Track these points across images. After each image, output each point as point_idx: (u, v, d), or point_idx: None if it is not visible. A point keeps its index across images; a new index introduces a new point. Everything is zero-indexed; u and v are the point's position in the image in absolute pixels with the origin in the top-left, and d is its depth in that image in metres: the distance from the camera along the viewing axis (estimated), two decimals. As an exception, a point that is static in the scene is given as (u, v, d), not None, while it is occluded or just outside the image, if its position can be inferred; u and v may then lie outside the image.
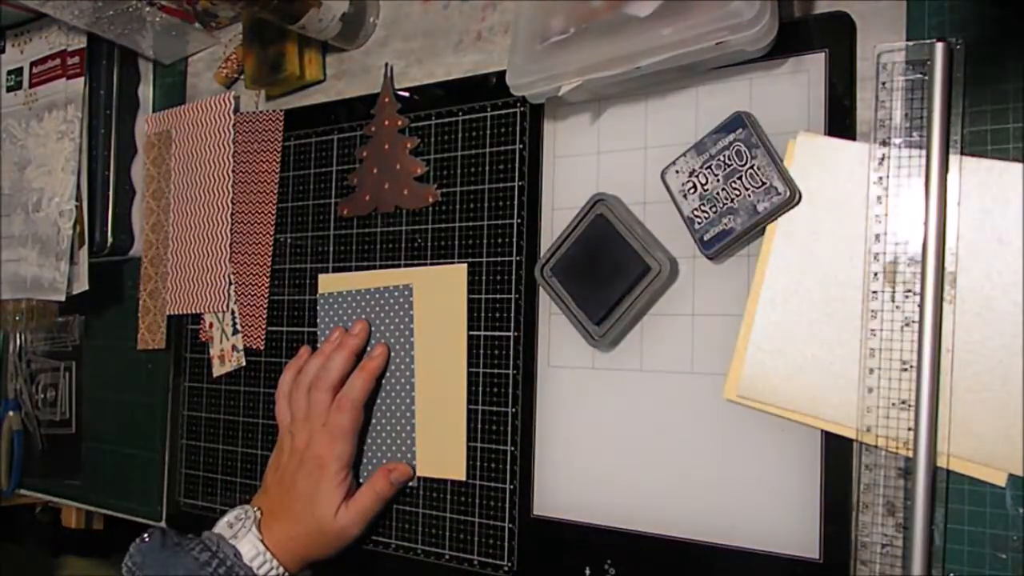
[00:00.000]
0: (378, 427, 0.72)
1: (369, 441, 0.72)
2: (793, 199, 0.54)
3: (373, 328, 0.73)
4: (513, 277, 0.66)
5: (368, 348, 0.72)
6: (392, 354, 0.72)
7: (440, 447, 0.69)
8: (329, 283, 0.77)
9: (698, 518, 0.57)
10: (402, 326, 0.71)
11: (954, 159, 0.50)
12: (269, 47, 0.80)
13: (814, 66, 0.55)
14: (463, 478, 0.67)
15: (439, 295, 0.70)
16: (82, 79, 0.91)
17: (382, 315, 0.72)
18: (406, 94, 0.74)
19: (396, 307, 0.72)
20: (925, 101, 0.50)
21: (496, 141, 0.68)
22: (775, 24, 0.53)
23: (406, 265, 0.73)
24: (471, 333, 0.68)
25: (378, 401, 0.72)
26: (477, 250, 0.68)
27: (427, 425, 0.70)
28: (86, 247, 0.90)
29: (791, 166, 0.55)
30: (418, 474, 0.70)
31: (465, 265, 0.69)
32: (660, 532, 0.58)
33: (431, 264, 0.71)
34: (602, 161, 0.63)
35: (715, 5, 0.52)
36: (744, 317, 0.56)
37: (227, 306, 0.84)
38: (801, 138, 0.55)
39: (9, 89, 0.99)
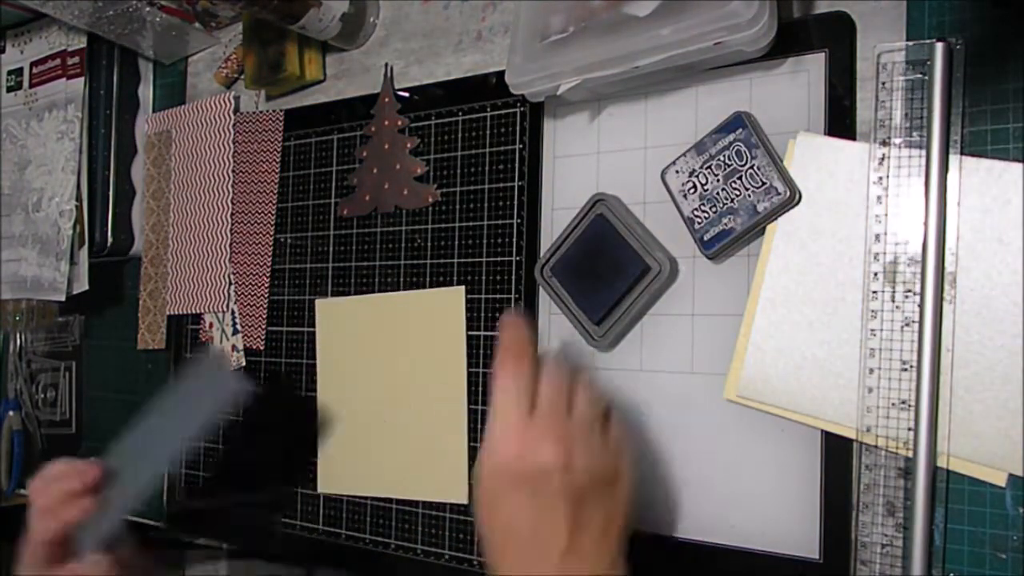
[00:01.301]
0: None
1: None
2: (793, 199, 0.54)
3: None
4: (513, 277, 0.66)
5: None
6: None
7: (440, 472, 0.68)
8: (327, 309, 0.77)
9: (698, 518, 0.57)
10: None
11: (954, 159, 0.50)
12: (269, 47, 0.80)
13: (814, 66, 0.55)
14: (464, 502, 0.67)
15: (437, 321, 0.70)
16: (82, 79, 0.91)
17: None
18: (406, 94, 0.74)
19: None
20: (925, 101, 0.50)
21: (496, 141, 0.68)
22: (774, 25, 0.53)
23: (405, 284, 0.72)
24: (471, 333, 0.68)
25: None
26: (477, 250, 0.68)
27: (427, 452, 0.69)
28: (86, 247, 0.90)
29: (791, 166, 0.55)
30: (418, 498, 0.70)
31: (463, 288, 0.69)
32: (660, 532, 0.58)
33: (430, 276, 0.71)
34: (602, 161, 0.63)
35: (714, 5, 0.52)
36: (744, 317, 0.56)
37: (227, 306, 0.84)
38: (801, 138, 0.55)
39: (9, 89, 0.99)
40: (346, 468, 0.71)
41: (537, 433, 0.47)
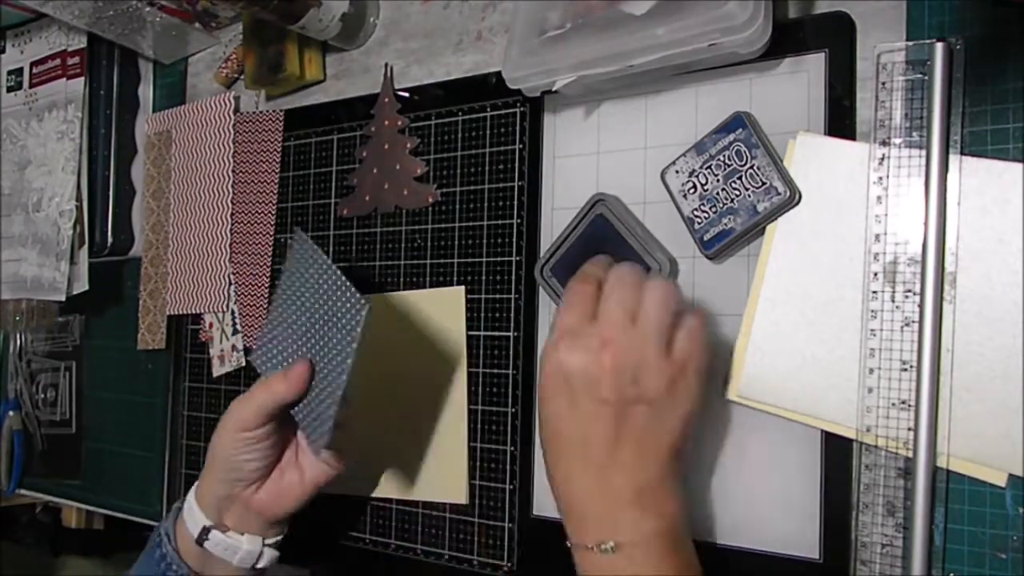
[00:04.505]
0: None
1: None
2: (793, 199, 0.54)
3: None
4: (513, 277, 0.66)
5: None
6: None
7: (440, 472, 0.68)
8: None
9: (697, 518, 0.57)
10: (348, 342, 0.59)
11: (954, 159, 0.49)
12: (269, 47, 0.80)
13: (814, 66, 0.55)
14: (464, 502, 0.67)
15: (437, 321, 0.70)
16: (82, 79, 0.91)
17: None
18: (406, 94, 0.74)
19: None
20: (925, 101, 0.50)
21: (496, 141, 0.68)
22: (768, 27, 0.53)
23: (405, 284, 0.72)
24: (471, 333, 0.68)
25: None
26: (477, 250, 0.68)
27: (427, 452, 0.69)
28: (86, 247, 0.90)
29: (791, 166, 0.54)
30: (418, 498, 0.70)
31: (463, 288, 0.68)
32: (660, 532, 0.58)
33: (430, 275, 0.71)
34: (602, 161, 0.63)
35: (709, 6, 0.52)
36: (744, 317, 0.56)
37: (227, 306, 0.84)
38: (801, 138, 0.55)
39: (9, 89, 0.99)
40: (346, 468, 0.70)
41: (591, 340, 0.47)
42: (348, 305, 0.56)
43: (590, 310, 0.48)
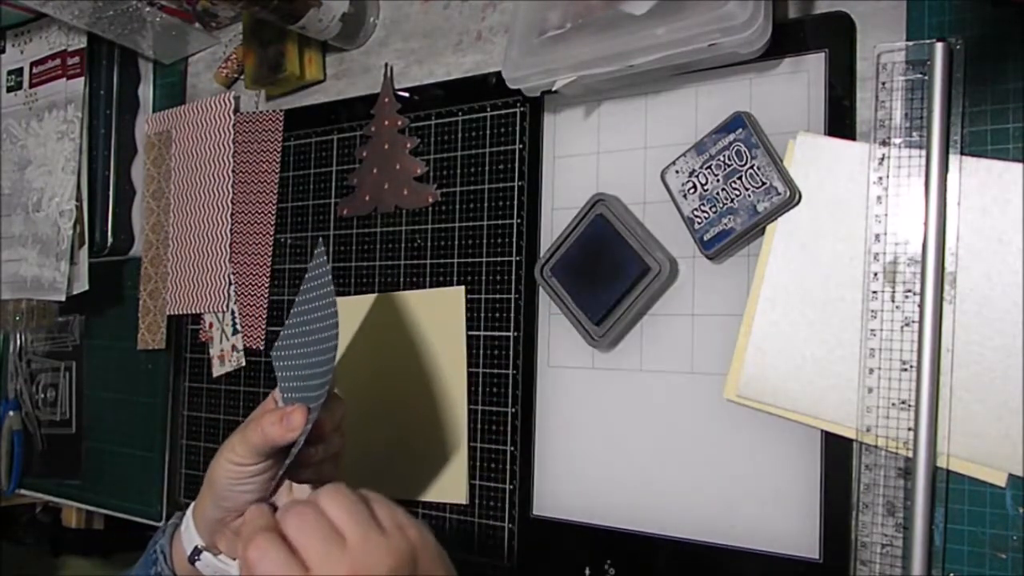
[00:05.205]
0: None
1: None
2: (793, 199, 0.54)
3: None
4: (513, 277, 0.66)
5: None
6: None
7: (440, 472, 0.69)
8: None
9: (698, 518, 0.57)
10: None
11: (954, 159, 0.50)
12: (269, 47, 0.80)
13: (814, 66, 0.55)
14: (464, 502, 0.67)
15: (437, 321, 0.70)
16: (82, 79, 0.91)
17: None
18: (406, 94, 0.74)
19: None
20: (925, 101, 0.50)
21: (496, 141, 0.68)
22: (768, 27, 0.53)
23: (405, 284, 0.72)
24: (471, 333, 0.68)
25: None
26: (477, 250, 0.68)
27: (427, 452, 0.69)
28: (86, 247, 0.90)
29: (791, 166, 0.54)
30: (418, 498, 0.70)
31: (463, 288, 0.69)
32: (660, 532, 0.58)
33: (430, 275, 0.71)
34: (602, 161, 0.63)
35: (709, 7, 0.52)
36: (744, 317, 0.56)
37: (227, 306, 0.84)
38: (801, 138, 0.55)
39: (9, 89, 0.99)
40: (346, 468, 0.71)
41: None
42: (328, 356, 0.56)
43: (293, 563, 0.44)
